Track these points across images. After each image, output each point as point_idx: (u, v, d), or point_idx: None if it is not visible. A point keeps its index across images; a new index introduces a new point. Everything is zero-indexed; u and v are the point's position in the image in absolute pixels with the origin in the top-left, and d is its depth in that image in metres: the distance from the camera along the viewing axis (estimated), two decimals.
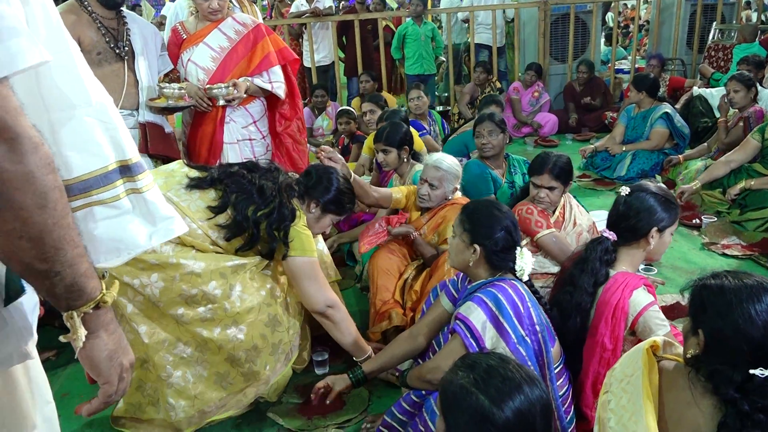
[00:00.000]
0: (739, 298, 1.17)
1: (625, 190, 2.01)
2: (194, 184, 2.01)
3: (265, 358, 2.10)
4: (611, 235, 1.96)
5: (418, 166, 3.07)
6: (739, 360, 1.15)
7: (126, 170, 0.98)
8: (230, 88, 2.66)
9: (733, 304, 1.17)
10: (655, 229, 1.92)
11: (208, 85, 2.66)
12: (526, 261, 1.85)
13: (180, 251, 1.94)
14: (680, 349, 1.35)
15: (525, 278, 1.86)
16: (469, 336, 1.71)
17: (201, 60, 2.74)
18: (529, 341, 1.73)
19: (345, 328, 2.24)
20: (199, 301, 1.95)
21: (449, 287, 2.05)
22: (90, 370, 0.94)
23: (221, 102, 2.69)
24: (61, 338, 0.90)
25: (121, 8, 2.63)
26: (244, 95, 2.74)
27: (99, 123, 0.94)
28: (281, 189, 2.09)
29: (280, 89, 2.86)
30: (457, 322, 1.76)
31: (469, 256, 1.85)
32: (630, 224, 1.93)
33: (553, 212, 2.76)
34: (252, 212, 2.01)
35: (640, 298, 1.85)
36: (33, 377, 1.00)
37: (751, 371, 1.12)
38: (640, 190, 1.98)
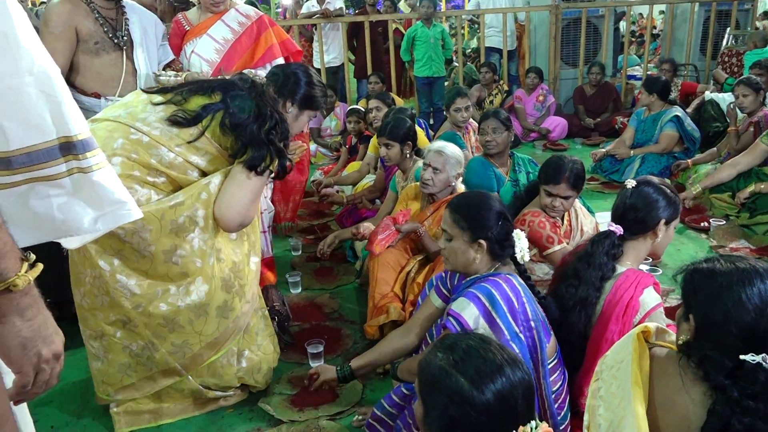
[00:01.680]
0: (730, 282, 1.13)
1: (631, 183, 1.99)
2: (178, 122, 1.88)
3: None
4: (618, 229, 1.93)
5: (421, 163, 3.05)
6: (730, 345, 1.11)
7: (70, 147, 0.93)
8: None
9: (724, 287, 1.13)
10: (662, 221, 1.90)
11: (212, 78, 2.65)
12: (523, 242, 1.82)
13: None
14: (673, 337, 1.31)
15: (526, 259, 1.82)
16: (460, 331, 1.67)
17: (205, 52, 2.73)
18: (522, 337, 1.69)
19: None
20: (188, 227, 1.88)
21: (438, 284, 2.03)
22: (1, 357, 0.88)
23: None
24: None
25: None
26: None
27: (41, 94, 0.89)
28: (268, 99, 2.00)
29: None
30: (449, 318, 1.72)
31: (473, 254, 1.80)
32: (638, 217, 1.90)
33: (562, 221, 2.71)
34: (258, 130, 1.89)
35: (650, 297, 1.82)
36: None
37: (742, 357, 1.08)
38: (646, 183, 1.96)
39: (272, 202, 3.02)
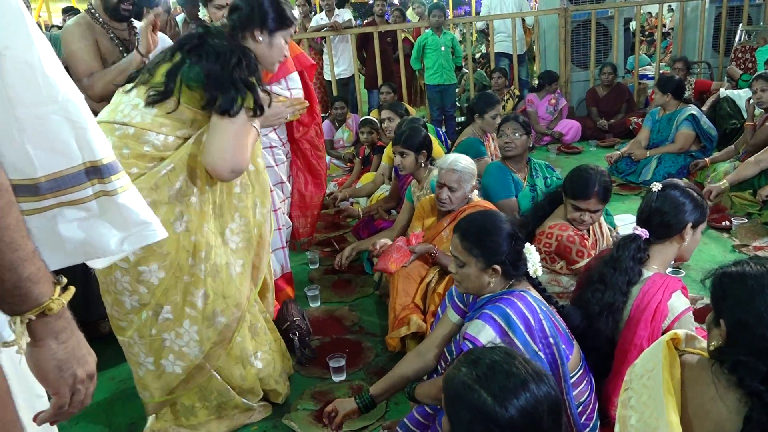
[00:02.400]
0: (761, 284, 1.11)
1: (657, 186, 1.96)
2: (152, 101, 1.84)
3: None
4: (643, 233, 1.90)
5: (436, 172, 3.04)
6: (764, 349, 1.08)
7: (96, 171, 0.95)
8: None
9: (755, 290, 1.11)
10: (689, 224, 1.87)
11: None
12: (534, 257, 1.79)
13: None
14: (704, 343, 1.29)
15: (539, 273, 1.79)
16: None
17: None
18: (542, 355, 1.66)
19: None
20: (186, 191, 1.88)
21: (455, 300, 1.99)
22: (38, 379, 0.90)
23: None
24: (1, 345, 0.87)
25: (132, 20, 2.67)
26: None
27: (66, 121, 0.91)
28: (225, 38, 1.93)
29: (298, 96, 2.85)
30: (466, 342, 1.68)
31: (488, 279, 1.77)
32: (664, 220, 1.88)
33: (588, 231, 2.65)
34: (222, 73, 1.82)
35: (679, 302, 1.79)
36: (20, 369, 0.97)
37: None
38: (673, 186, 1.94)
39: (290, 217, 3.02)
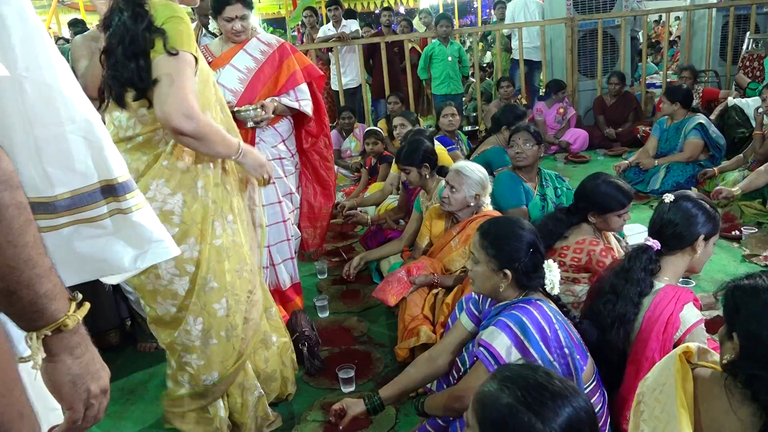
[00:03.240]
0: None
1: (669, 197, 1.96)
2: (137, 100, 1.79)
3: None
4: (655, 244, 1.90)
5: (444, 182, 3.05)
6: None
7: (111, 190, 0.97)
8: (258, 110, 2.64)
9: None
10: (701, 236, 1.87)
11: (236, 108, 2.66)
12: (554, 274, 1.78)
13: None
14: (716, 357, 1.28)
15: (555, 292, 1.78)
16: (492, 363, 1.64)
17: (229, 82, 2.76)
18: (557, 365, 1.65)
19: (214, 142, 1.84)
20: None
21: (470, 306, 1.99)
22: (52, 394, 0.91)
23: (250, 124, 2.66)
24: (17, 361, 0.87)
25: None
26: (272, 116, 2.74)
27: (83, 141, 0.93)
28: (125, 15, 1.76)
29: (307, 107, 2.86)
30: (480, 348, 1.68)
31: (498, 282, 1.77)
32: (677, 231, 1.87)
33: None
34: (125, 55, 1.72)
35: (690, 314, 1.78)
36: (36, 383, 0.99)
37: None
38: (685, 197, 1.93)
39: (299, 228, 3.03)
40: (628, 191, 2.47)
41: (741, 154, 4.42)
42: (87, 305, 0.91)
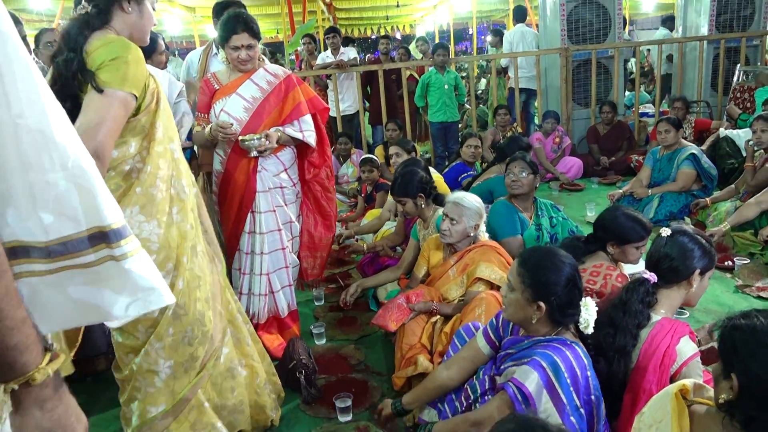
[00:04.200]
0: None
1: (666, 232, 2.00)
2: None
3: None
4: (652, 277, 1.93)
5: (441, 210, 3.09)
6: None
7: (103, 237, 0.95)
8: (262, 139, 2.66)
9: (767, 345, 1.13)
10: (697, 271, 1.91)
11: (240, 137, 2.69)
12: (591, 313, 1.76)
13: None
14: (711, 393, 1.30)
15: (590, 331, 1.76)
16: (521, 401, 1.64)
17: (234, 110, 2.80)
18: (583, 411, 1.65)
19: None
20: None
21: (488, 330, 2.00)
22: None
23: (254, 153, 2.69)
24: None
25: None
26: (276, 145, 2.76)
27: (75, 187, 0.92)
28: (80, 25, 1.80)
29: (311, 138, 2.89)
30: (510, 384, 1.67)
31: (532, 313, 1.75)
32: (673, 266, 1.91)
33: None
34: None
35: (687, 347, 1.81)
36: None
37: None
38: (682, 232, 1.98)
39: (299, 257, 3.06)
40: (646, 224, 2.52)
41: (733, 185, 4.48)
42: (61, 358, 0.89)
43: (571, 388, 1.64)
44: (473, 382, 1.95)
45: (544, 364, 1.65)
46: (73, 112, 1.72)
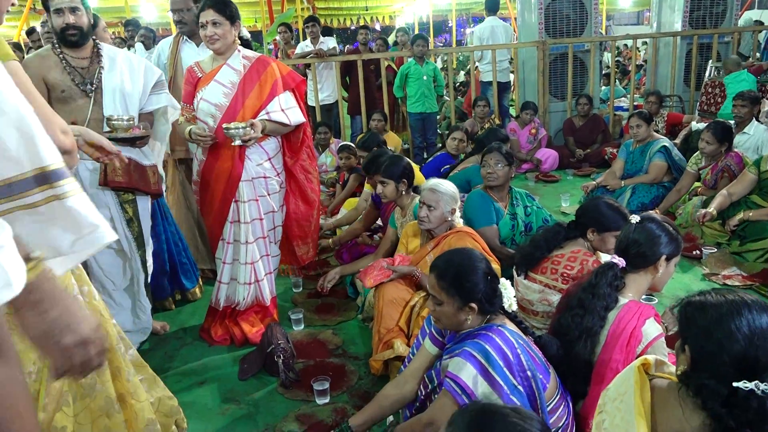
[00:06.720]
0: (720, 314, 1.20)
1: (635, 218, 2.07)
2: None
3: None
4: (621, 262, 2.01)
5: (418, 199, 3.13)
6: (724, 374, 1.17)
7: (46, 177, 1.01)
8: (247, 128, 2.66)
9: (715, 319, 1.21)
10: (663, 257, 1.98)
11: (224, 125, 2.69)
12: (509, 291, 1.87)
13: None
14: (672, 368, 1.37)
15: (514, 308, 1.86)
16: (460, 393, 1.70)
17: (213, 97, 2.80)
18: (521, 389, 1.72)
19: None
20: None
21: (433, 332, 2.05)
22: (35, 348, 0.97)
23: (237, 142, 2.67)
24: None
25: (98, 47, 2.74)
26: (260, 135, 2.75)
27: (15, 131, 0.97)
28: None
29: (294, 115, 2.90)
30: (447, 380, 1.74)
31: (465, 316, 1.83)
32: (641, 251, 1.99)
33: None
34: None
35: (652, 328, 1.88)
36: None
37: (735, 384, 1.15)
38: (650, 219, 2.05)
39: (293, 246, 3.11)
40: (626, 214, 2.57)
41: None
42: (40, 267, 0.94)
43: (506, 370, 1.70)
44: (430, 372, 1.99)
45: (475, 353, 1.71)
46: None
